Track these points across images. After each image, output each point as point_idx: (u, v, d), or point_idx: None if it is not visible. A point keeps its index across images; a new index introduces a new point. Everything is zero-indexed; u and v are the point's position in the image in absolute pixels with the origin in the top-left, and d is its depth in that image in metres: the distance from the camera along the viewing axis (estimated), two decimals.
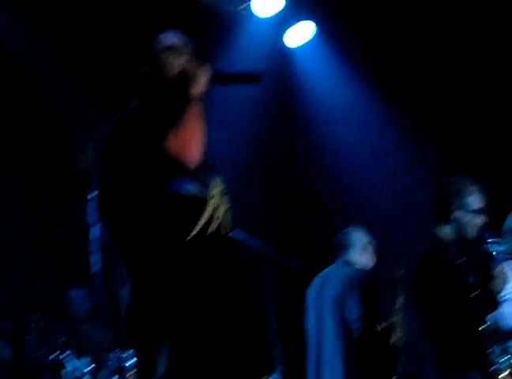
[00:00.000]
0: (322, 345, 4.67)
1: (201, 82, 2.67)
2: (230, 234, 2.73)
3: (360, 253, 4.86)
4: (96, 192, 5.11)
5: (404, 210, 6.81)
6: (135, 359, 5.18)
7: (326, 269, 4.89)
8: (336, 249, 4.94)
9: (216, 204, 2.65)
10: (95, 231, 5.22)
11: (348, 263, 4.84)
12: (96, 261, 5.13)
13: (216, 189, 2.68)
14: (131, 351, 5.14)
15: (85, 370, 5.19)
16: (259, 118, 7.07)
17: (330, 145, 7.27)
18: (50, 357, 5.30)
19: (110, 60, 5.94)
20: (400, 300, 4.84)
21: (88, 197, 5.22)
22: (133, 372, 5.10)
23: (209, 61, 2.76)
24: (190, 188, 2.59)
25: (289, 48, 7.01)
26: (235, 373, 2.52)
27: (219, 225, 2.64)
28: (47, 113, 6.48)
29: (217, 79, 2.76)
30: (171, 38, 2.82)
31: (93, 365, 5.30)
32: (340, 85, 7.23)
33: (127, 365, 5.12)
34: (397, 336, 4.75)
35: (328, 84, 7.27)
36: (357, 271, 4.77)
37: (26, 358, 5.46)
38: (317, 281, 4.84)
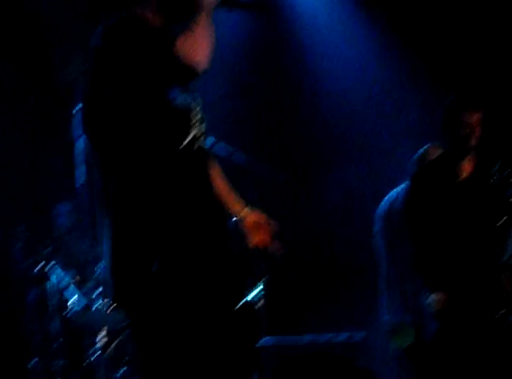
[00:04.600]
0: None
1: None
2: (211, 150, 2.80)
3: None
4: (81, 105, 5.04)
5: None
6: None
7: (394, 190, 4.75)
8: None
9: (199, 122, 2.67)
10: (80, 145, 5.18)
11: None
12: (80, 175, 5.12)
13: (199, 106, 2.71)
14: None
15: (70, 282, 5.21)
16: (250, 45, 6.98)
17: (320, 65, 7.19)
18: (35, 269, 5.31)
19: None
20: None
21: (74, 110, 5.16)
22: None
23: None
24: (185, 99, 2.62)
25: None
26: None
27: (199, 143, 2.67)
28: (30, 22, 6.32)
29: (225, 1, 2.78)
30: None
31: (78, 278, 5.32)
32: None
33: None
34: None
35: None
36: None
37: (11, 270, 5.48)
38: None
